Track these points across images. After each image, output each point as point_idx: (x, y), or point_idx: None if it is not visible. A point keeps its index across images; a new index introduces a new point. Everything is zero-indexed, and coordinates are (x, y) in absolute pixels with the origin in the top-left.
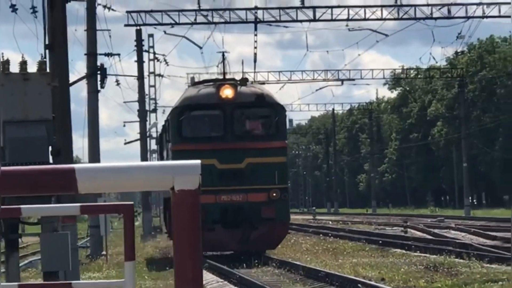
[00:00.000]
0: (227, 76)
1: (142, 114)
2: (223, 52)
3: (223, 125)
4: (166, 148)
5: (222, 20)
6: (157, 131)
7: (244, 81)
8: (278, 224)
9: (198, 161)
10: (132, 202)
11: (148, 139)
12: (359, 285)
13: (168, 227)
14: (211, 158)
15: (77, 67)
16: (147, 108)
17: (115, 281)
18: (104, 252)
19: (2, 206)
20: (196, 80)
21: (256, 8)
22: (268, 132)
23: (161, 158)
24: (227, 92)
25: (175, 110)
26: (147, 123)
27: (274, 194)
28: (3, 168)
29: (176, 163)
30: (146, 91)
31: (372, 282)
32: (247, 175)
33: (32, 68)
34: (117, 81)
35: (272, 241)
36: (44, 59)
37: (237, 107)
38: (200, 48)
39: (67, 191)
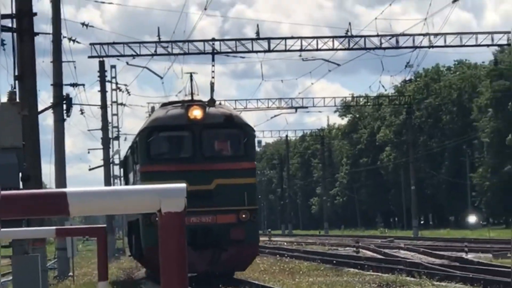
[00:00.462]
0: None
1: (105, 142)
2: (191, 73)
3: (192, 146)
4: (133, 170)
5: (181, 52)
6: (119, 158)
7: (212, 102)
8: (248, 246)
9: (184, 185)
10: (105, 225)
11: (111, 165)
12: None
13: (132, 249)
14: (180, 179)
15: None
16: (110, 135)
17: None
18: (71, 273)
19: None
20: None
21: (214, 39)
22: (237, 153)
23: (126, 180)
24: (196, 113)
25: (143, 131)
26: (110, 150)
27: (244, 216)
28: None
29: (163, 187)
30: (109, 120)
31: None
32: (216, 196)
33: (2, 98)
34: (81, 110)
35: (242, 262)
36: (14, 90)
37: (206, 128)
38: (161, 78)
39: (59, 214)
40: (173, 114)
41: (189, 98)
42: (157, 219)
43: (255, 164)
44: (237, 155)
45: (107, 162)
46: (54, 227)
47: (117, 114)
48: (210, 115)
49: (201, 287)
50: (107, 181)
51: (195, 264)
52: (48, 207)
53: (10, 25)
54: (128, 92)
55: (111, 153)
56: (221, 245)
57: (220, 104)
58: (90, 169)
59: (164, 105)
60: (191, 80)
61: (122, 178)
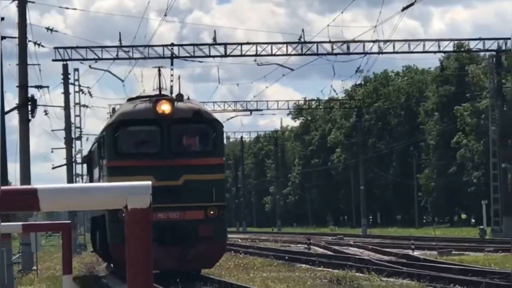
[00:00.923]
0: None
1: (68, 141)
2: (159, 67)
3: (160, 141)
4: (99, 165)
5: (142, 56)
6: (82, 157)
7: (180, 97)
8: (216, 243)
9: (149, 182)
10: (70, 221)
11: (74, 164)
12: None
13: (95, 245)
14: (148, 175)
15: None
16: (72, 136)
17: None
18: (35, 267)
19: None
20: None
21: (173, 45)
22: (206, 148)
23: (90, 176)
24: (164, 108)
25: (110, 126)
26: (73, 149)
27: (212, 212)
28: None
29: (129, 184)
30: (72, 120)
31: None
32: (184, 192)
33: None
34: (45, 111)
35: (210, 260)
36: None
37: (174, 123)
38: (122, 81)
39: (30, 209)
40: (141, 108)
41: (156, 93)
42: (124, 215)
43: (224, 160)
44: (205, 151)
45: (70, 161)
46: (20, 223)
47: (79, 115)
48: (179, 110)
49: (168, 285)
50: (70, 180)
51: (162, 261)
52: (20, 203)
53: None
54: (90, 94)
55: (73, 152)
56: (189, 242)
57: (188, 99)
58: (53, 168)
59: (131, 99)
60: (159, 74)
61: (86, 174)
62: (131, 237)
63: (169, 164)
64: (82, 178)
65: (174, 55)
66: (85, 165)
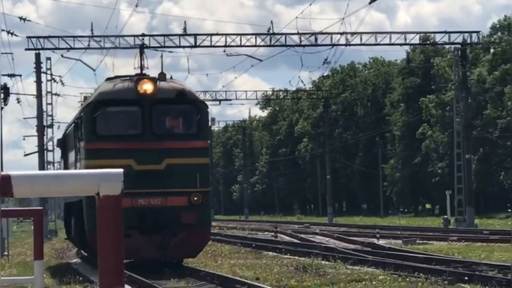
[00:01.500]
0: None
1: (40, 129)
2: (140, 45)
3: (141, 123)
4: (76, 147)
5: (113, 46)
6: (53, 145)
7: (163, 76)
8: (199, 231)
9: (121, 170)
10: (42, 208)
11: (45, 151)
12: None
13: (70, 231)
14: (128, 158)
15: None
16: (44, 123)
17: (26, 278)
18: (6, 253)
19: None
20: None
21: (143, 35)
22: (190, 131)
23: (65, 159)
24: (146, 87)
25: (89, 106)
26: (45, 137)
27: (195, 198)
28: None
29: (101, 172)
30: (44, 108)
31: (248, 281)
32: (167, 177)
33: None
34: (18, 99)
35: (193, 248)
36: None
37: (156, 103)
38: (94, 70)
39: (3, 195)
40: (122, 87)
41: (137, 72)
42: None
43: (209, 143)
44: (189, 133)
45: (42, 149)
46: None
47: (51, 104)
48: (161, 90)
49: (147, 275)
50: (42, 167)
51: (142, 249)
52: None
53: None
54: (62, 83)
55: (45, 140)
56: (171, 230)
57: (171, 78)
58: (25, 155)
59: (109, 79)
60: (141, 53)
61: (60, 158)
62: (103, 224)
63: (151, 147)
64: (53, 165)
65: (144, 45)
66: (58, 150)
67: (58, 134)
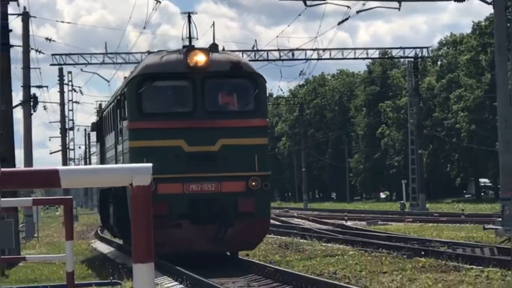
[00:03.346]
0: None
1: (63, 131)
2: (189, 13)
3: (192, 99)
4: (117, 128)
5: (124, 61)
6: (74, 144)
7: (215, 48)
8: (258, 220)
9: (150, 164)
10: (71, 197)
11: (67, 150)
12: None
13: (108, 219)
14: (178, 138)
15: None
16: (66, 126)
17: (59, 256)
18: (36, 235)
19: None
20: None
21: (148, 52)
22: (247, 107)
23: (101, 144)
24: (198, 59)
25: (133, 80)
26: (67, 138)
27: (254, 183)
28: (3, 169)
29: (134, 166)
30: (66, 114)
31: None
32: (221, 159)
33: None
34: (44, 106)
35: (251, 240)
36: None
37: (209, 77)
38: (108, 81)
39: (53, 186)
40: (170, 60)
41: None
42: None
43: (267, 121)
44: (246, 110)
45: (64, 148)
46: (31, 198)
47: (72, 110)
48: (215, 62)
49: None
50: (64, 163)
51: (194, 241)
52: (44, 181)
53: None
54: (81, 93)
55: (67, 140)
56: (226, 219)
57: (223, 50)
58: (51, 153)
59: (153, 52)
60: (189, 22)
61: (96, 142)
62: (136, 209)
63: (203, 126)
64: (74, 162)
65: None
66: (79, 148)
67: (78, 135)
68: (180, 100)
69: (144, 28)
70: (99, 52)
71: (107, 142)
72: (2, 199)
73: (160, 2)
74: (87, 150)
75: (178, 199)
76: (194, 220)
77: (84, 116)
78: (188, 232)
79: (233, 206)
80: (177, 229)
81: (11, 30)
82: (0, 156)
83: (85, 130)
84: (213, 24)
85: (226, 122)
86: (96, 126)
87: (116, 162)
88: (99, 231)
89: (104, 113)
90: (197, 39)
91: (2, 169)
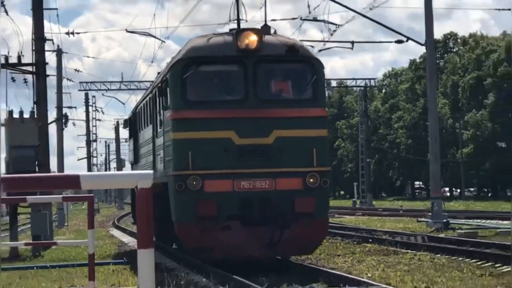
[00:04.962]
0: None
1: (88, 143)
2: None
3: (244, 86)
4: (156, 120)
5: (137, 88)
6: (97, 154)
7: (267, 29)
8: (317, 221)
9: (151, 171)
10: (92, 195)
11: (91, 157)
12: None
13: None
14: (227, 129)
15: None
16: (90, 139)
17: (83, 241)
18: (66, 224)
19: (13, 197)
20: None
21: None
22: (304, 95)
23: (135, 138)
24: (249, 41)
25: (177, 65)
26: (91, 148)
27: (312, 180)
28: (40, 174)
29: (138, 173)
30: (90, 129)
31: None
32: (276, 153)
33: (26, 115)
34: (73, 123)
35: (309, 243)
36: (33, 110)
37: (262, 61)
38: (123, 104)
39: (75, 188)
40: (218, 42)
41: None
42: (194, 182)
43: (327, 111)
44: (303, 99)
45: (89, 156)
46: (61, 195)
47: (95, 126)
48: (267, 45)
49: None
50: (89, 168)
51: (246, 245)
52: (69, 184)
53: (31, 69)
54: (102, 112)
55: (91, 149)
56: (282, 220)
57: (275, 33)
58: (78, 160)
59: (200, 36)
60: (238, 2)
61: (128, 139)
62: (141, 206)
63: (256, 116)
64: (96, 167)
65: None
66: (101, 156)
67: (100, 146)
68: (229, 87)
69: (152, 62)
70: (116, 80)
71: (141, 137)
72: (39, 196)
73: (164, 42)
74: (107, 157)
75: (227, 198)
76: (246, 221)
77: (105, 131)
78: (239, 236)
79: (290, 205)
80: (226, 232)
81: (47, 63)
82: (38, 163)
83: (105, 142)
84: (265, 3)
85: (281, 112)
86: (129, 122)
87: (154, 157)
88: (116, 221)
89: (138, 108)
90: (246, 21)
91: (40, 174)
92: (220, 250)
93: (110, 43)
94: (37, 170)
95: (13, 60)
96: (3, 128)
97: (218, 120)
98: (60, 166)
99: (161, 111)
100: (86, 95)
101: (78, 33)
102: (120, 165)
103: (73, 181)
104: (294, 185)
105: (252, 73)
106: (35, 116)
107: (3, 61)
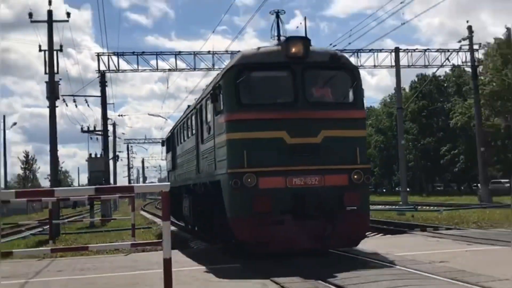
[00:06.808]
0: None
1: (128, 169)
2: (277, 12)
3: (293, 89)
4: (208, 125)
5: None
6: (132, 174)
7: (308, 41)
8: (362, 215)
9: (168, 183)
10: (134, 194)
11: (130, 176)
12: None
13: (179, 213)
14: (279, 130)
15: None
16: (130, 166)
17: (128, 217)
18: (118, 209)
19: (93, 196)
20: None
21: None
22: (346, 99)
23: (172, 153)
24: (298, 49)
25: (230, 71)
26: (130, 172)
27: (356, 177)
28: (107, 186)
29: (163, 184)
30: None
31: None
32: (324, 151)
33: (98, 155)
34: (121, 159)
35: (356, 236)
36: (102, 154)
37: (309, 67)
38: (146, 149)
39: (130, 192)
40: (268, 50)
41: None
42: (249, 179)
43: (366, 113)
44: (346, 102)
45: (129, 176)
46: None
47: (132, 161)
48: (314, 53)
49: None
50: (129, 182)
51: (298, 239)
52: (126, 190)
53: (100, 133)
54: (135, 154)
55: (130, 173)
56: (331, 214)
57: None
58: (123, 177)
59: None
60: (278, 19)
61: (165, 155)
62: (163, 201)
63: (306, 117)
64: (132, 181)
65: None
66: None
67: (134, 171)
68: (280, 91)
69: (167, 87)
70: (141, 137)
71: (179, 149)
72: (108, 196)
73: (166, 120)
74: (137, 176)
75: (280, 193)
76: (298, 216)
77: (136, 162)
78: (291, 229)
79: (338, 200)
80: (280, 226)
81: (108, 130)
82: (104, 179)
83: (137, 168)
84: (305, 19)
85: (327, 113)
86: (166, 141)
87: (198, 161)
88: (142, 207)
89: (176, 129)
90: (284, 37)
91: (106, 186)
92: (274, 243)
93: (139, 118)
94: (103, 183)
95: (91, 128)
96: (86, 162)
97: (271, 121)
98: (115, 182)
99: (213, 116)
100: (127, 146)
101: (123, 115)
102: (144, 180)
103: (129, 189)
104: (341, 181)
105: (300, 78)
106: (103, 156)
107: (85, 129)
